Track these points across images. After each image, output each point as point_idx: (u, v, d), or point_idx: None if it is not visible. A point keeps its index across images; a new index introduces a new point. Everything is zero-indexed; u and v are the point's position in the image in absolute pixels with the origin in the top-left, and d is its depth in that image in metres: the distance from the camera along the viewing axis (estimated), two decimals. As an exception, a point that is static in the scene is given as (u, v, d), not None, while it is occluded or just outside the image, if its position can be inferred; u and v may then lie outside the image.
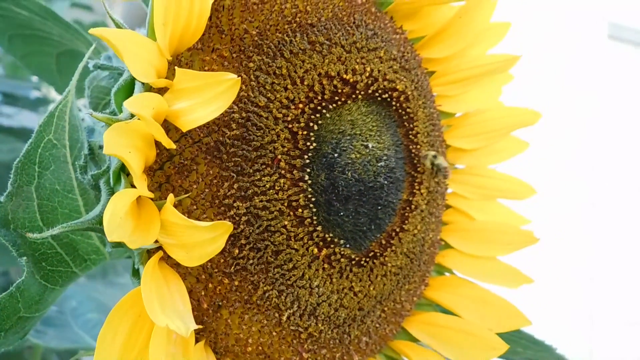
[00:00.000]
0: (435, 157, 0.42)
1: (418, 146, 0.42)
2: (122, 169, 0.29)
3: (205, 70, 0.31)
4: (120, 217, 0.23)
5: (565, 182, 2.86)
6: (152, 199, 0.28)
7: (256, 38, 0.33)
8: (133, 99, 0.23)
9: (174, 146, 0.27)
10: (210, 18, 0.33)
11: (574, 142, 2.94)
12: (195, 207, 0.30)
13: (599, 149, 3.04)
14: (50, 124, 0.33)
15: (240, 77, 0.25)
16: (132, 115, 0.27)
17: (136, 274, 0.30)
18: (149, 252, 0.29)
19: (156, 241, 0.27)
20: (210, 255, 0.25)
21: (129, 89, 0.30)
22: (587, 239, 2.96)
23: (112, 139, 0.22)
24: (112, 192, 0.31)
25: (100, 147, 0.34)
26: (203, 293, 0.31)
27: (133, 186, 0.29)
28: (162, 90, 0.29)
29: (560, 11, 2.93)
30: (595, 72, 3.07)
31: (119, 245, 0.32)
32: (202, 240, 0.25)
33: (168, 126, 0.29)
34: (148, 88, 0.29)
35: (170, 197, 0.26)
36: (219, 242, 0.25)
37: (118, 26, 0.28)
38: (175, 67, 0.26)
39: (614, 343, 2.93)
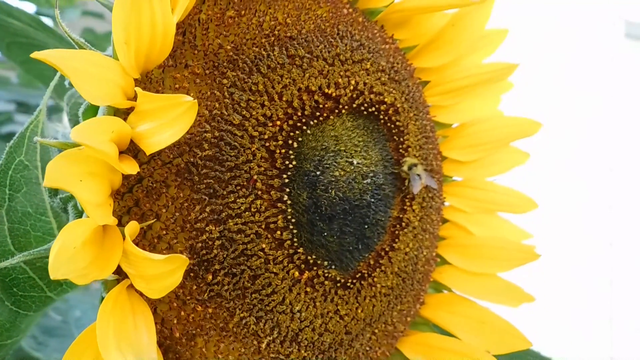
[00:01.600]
0: (415, 166, 0.39)
1: (409, 161, 0.40)
2: (89, 193, 0.28)
3: (175, 88, 0.30)
4: (73, 249, 0.22)
5: (582, 184, 2.80)
6: (118, 225, 0.27)
7: (231, 53, 0.32)
8: (81, 127, 0.22)
9: (133, 172, 0.25)
10: (184, 33, 0.31)
11: (591, 142, 2.88)
12: (165, 232, 0.29)
13: (616, 148, 2.97)
14: (22, 145, 0.32)
15: (196, 100, 0.23)
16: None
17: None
18: (118, 279, 0.28)
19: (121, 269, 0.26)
20: (169, 288, 0.24)
21: (95, 109, 0.29)
22: (606, 242, 2.89)
23: (57, 169, 0.21)
24: (80, 215, 0.30)
25: (72, 169, 0.33)
26: (175, 321, 0.30)
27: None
28: (130, 110, 0.28)
29: (577, 10, 2.87)
30: (612, 70, 3.01)
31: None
32: (158, 273, 0.23)
33: (137, 147, 0.28)
34: (115, 109, 0.28)
35: (130, 226, 0.25)
36: (175, 276, 0.23)
37: (79, 45, 0.27)
38: (136, 88, 0.25)
39: (635, 348, 2.86)
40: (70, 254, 0.21)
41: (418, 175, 0.39)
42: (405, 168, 0.38)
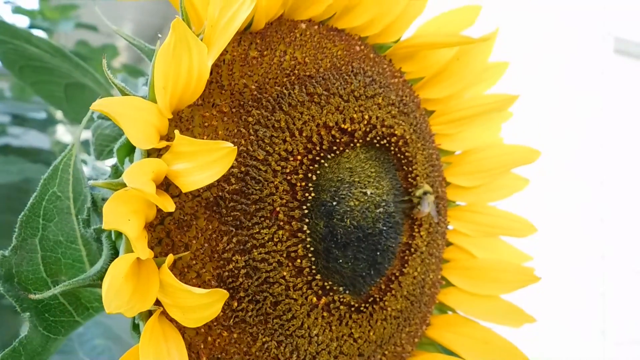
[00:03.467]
0: (428, 194, 0.42)
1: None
2: (123, 225, 0.30)
3: (204, 126, 0.32)
4: (119, 284, 0.23)
5: (574, 197, 2.84)
6: (153, 257, 0.28)
7: (255, 92, 0.34)
8: (131, 170, 0.24)
9: (173, 209, 0.27)
10: (210, 73, 0.33)
11: (582, 155, 2.92)
12: (194, 261, 0.31)
13: (607, 162, 3.02)
14: (55, 177, 0.34)
15: (236, 147, 0.25)
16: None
17: (136, 328, 0.30)
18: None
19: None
20: (206, 319, 0.26)
21: (130, 145, 0.31)
22: (598, 255, 2.93)
23: (111, 212, 0.23)
24: (113, 246, 0.31)
25: (103, 200, 0.35)
26: (202, 346, 0.32)
27: (134, 242, 0.30)
28: (163, 149, 0.30)
29: (567, 27, 2.93)
30: (603, 86, 3.06)
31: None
32: (197, 305, 0.25)
33: (169, 181, 0.30)
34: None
35: (169, 258, 0.27)
36: (214, 308, 0.25)
37: (121, 91, 0.29)
38: (175, 131, 0.27)
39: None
40: (117, 288, 0.23)
41: (428, 203, 0.41)
42: (418, 193, 0.41)
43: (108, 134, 0.40)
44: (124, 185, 0.26)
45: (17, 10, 1.66)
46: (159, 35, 0.30)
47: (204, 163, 0.26)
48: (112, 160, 0.34)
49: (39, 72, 0.67)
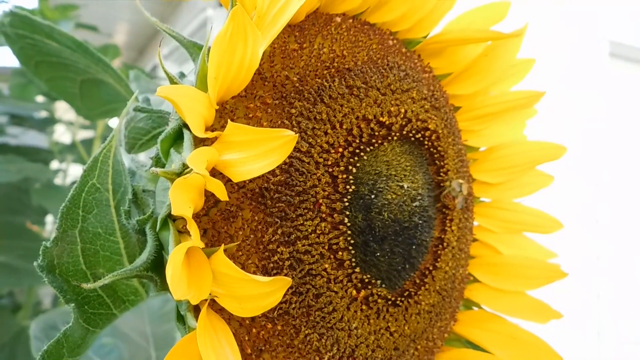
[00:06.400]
0: (461, 185, 0.42)
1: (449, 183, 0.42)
2: (169, 215, 0.30)
3: (249, 117, 0.32)
4: (180, 272, 0.23)
5: (569, 199, 2.86)
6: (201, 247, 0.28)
7: (297, 84, 0.34)
8: (193, 156, 0.24)
9: (227, 198, 0.27)
10: (252, 65, 0.33)
11: (578, 158, 2.95)
12: (240, 252, 0.31)
13: (603, 164, 3.05)
14: (94, 168, 0.34)
15: (297, 135, 0.25)
16: (184, 166, 0.27)
17: (181, 319, 0.30)
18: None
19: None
20: (265, 308, 0.26)
21: (175, 136, 0.31)
22: (593, 257, 2.95)
23: (177, 198, 0.22)
24: (157, 237, 0.31)
25: (144, 191, 0.34)
26: (246, 338, 0.32)
27: (180, 232, 0.29)
28: (208, 139, 0.30)
29: (562, 31, 2.96)
30: (598, 89, 3.09)
31: (165, 289, 0.32)
32: (257, 293, 0.25)
33: (214, 172, 0.30)
34: (195, 136, 0.30)
35: (222, 248, 0.27)
36: (275, 296, 0.25)
37: (171, 80, 0.28)
38: (228, 120, 0.27)
39: (622, 362, 2.90)
40: (179, 276, 0.23)
41: (461, 193, 0.41)
42: (454, 185, 0.41)
43: (142, 127, 0.39)
44: (178, 174, 0.26)
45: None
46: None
47: (260, 152, 0.26)
48: (152, 152, 0.34)
49: (55, 68, 0.66)
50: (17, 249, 1.34)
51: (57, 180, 1.80)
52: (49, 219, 1.72)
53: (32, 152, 1.75)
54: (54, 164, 1.92)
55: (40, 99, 1.82)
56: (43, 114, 1.84)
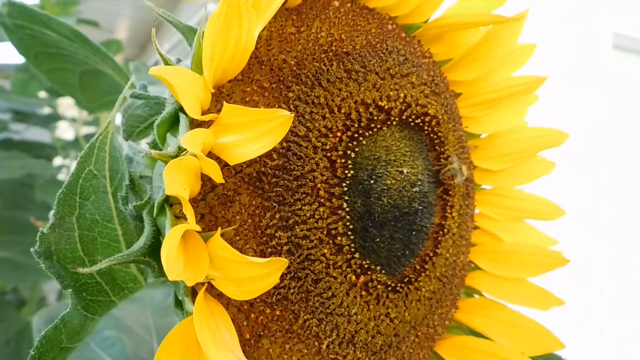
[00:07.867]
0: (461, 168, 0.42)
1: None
2: (166, 201, 0.29)
3: (246, 101, 0.32)
4: (175, 253, 0.23)
5: (572, 192, 2.85)
6: (197, 231, 0.28)
7: (294, 68, 0.33)
8: (187, 137, 0.23)
9: (222, 181, 0.27)
10: (248, 48, 0.33)
11: (581, 151, 2.93)
12: (238, 237, 0.31)
13: (606, 157, 3.03)
14: (91, 155, 0.33)
15: (293, 113, 0.25)
16: (180, 149, 0.27)
17: (179, 305, 0.30)
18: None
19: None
20: (262, 291, 0.26)
21: (171, 121, 0.30)
22: (596, 251, 2.94)
23: (171, 179, 0.22)
24: (154, 222, 0.31)
25: (141, 177, 0.34)
26: (245, 323, 0.31)
27: (177, 217, 0.29)
28: (204, 123, 0.29)
29: (565, 22, 2.94)
30: (602, 81, 3.07)
31: (163, 275, 0.32)
32: (254, 275, 0.25)
33: (210, 157, 0.30)
34: (191, 120, 0.29)
35: (218, 231, 0.26)
36: (273, 278, 0.25)
37: (166, 62, 0.28)
38: (224, 102, 0.27)
39: (627, 355, 2.90)
40: (174, 257, 0.23)
41: (461, 173, 0.41)
42: (454, 160, 0.40)
43: (139, 114, 0.39)
44: (174, 157, 0.26)
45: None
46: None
47: (257, 133, 0.25)
48: (149, 138, 0.33)
49: (54, 59, 0.66)
50: (21, 245, 1.35)
51: (61, 176, 1.80)
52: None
53: (35, 148, 1.76)
54: (57, 160, 1.92)
55: (43, 95, 1.82)
56: (46, 110, 1.85)
